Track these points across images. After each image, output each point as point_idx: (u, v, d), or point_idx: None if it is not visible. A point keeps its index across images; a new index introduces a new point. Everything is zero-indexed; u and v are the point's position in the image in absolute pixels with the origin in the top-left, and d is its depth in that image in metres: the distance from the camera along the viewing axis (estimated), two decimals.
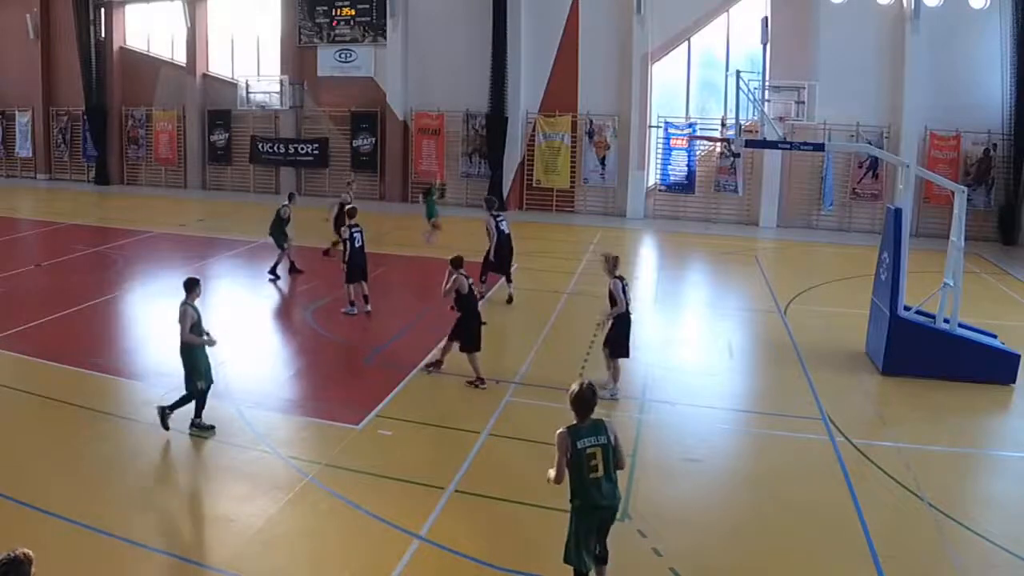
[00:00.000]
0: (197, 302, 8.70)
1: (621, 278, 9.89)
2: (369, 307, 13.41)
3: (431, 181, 22.78)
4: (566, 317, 13.28)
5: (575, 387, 5.50)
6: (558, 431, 5.49)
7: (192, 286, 8.68)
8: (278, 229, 15.83)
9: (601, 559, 5.74)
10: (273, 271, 15.84)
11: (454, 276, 10.15)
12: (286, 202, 16.12)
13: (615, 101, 24.64)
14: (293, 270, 16.19)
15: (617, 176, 24.89)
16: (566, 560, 5.54)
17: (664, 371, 11.07)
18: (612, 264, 9.90)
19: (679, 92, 24.77)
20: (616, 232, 22.52)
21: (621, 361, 9.96)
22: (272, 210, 16.21)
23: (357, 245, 13.25)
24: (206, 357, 8.71)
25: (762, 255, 19.70)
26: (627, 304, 9.77)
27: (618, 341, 9.84)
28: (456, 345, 10.27)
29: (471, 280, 10.45)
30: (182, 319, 8.54)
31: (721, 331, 13.28)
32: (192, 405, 8.65)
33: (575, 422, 5.47)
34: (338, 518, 7.06)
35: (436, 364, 10.60)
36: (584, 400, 5.43)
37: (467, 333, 10.17)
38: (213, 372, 8.84)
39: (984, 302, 14.44)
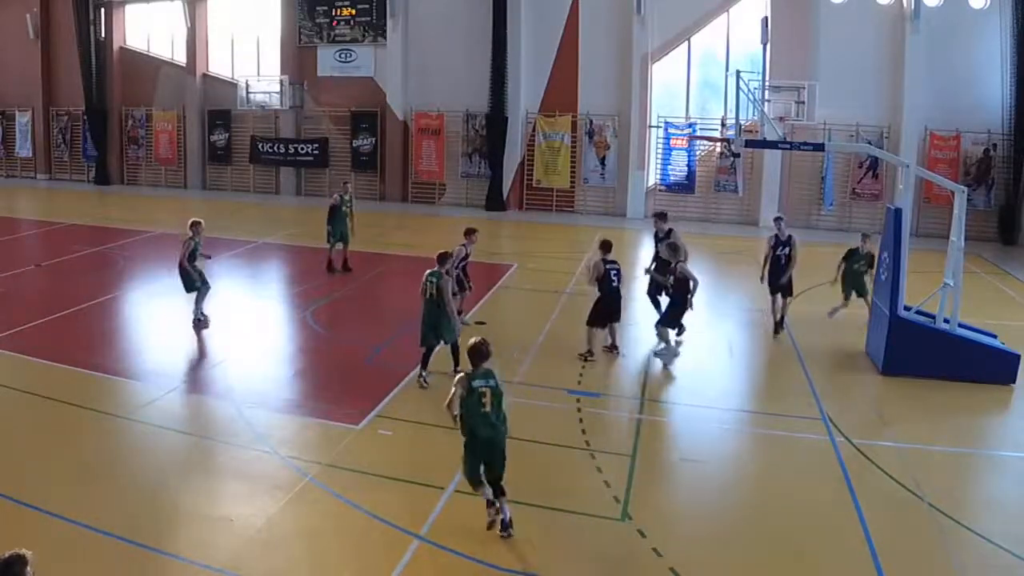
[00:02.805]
0: None
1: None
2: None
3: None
4: (566, 317, 13.26)
5: (472, 341, 6.83)
6: (459, 375, 6.73)
7: (445, 259, 10.26)
8: (335, 219, 15.93)
9: (499, 492, 6.77)
10: (333, 266, 16.05)
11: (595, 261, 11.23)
12: (343, 193, 16.34)
13: (615, 101, 24.64)
14: (331, 268, 16.10)
15: (617, 176, 24.90)
16: (465, 474, 6.79)
17: (664, 371, 11.06)
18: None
19: (679, 92, 24.77)
20: (616, 232, 22.43)
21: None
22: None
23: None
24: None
25: (762, 255, 19.62)
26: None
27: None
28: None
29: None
30: (447, 286, 10.02)
31: (721, 331, 13.28)
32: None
33: (472, 370, 6.71)
34: (338, 518, 7.05)
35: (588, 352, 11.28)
36: (479, 352, 6.75)
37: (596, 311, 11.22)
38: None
39: (984, 302, 14.43)
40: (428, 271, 10.08)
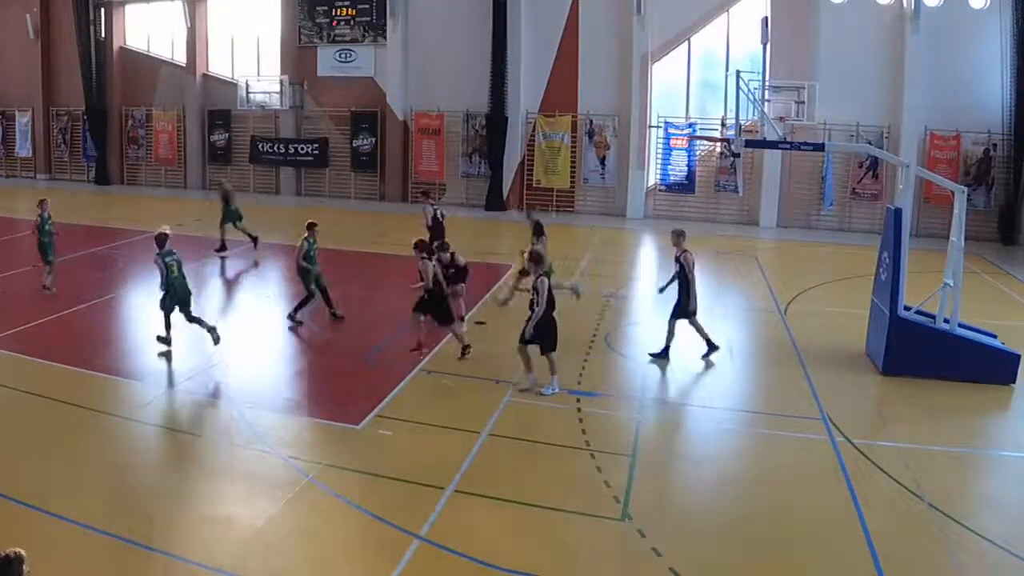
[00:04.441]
0: None
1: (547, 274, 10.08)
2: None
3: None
4: (565, 317, 13.26)
5: (156, 232, 10.89)
6: (155, 257, 10.77)
7: (313, 227, 12.77)
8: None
9: (192, 319, 11.13)
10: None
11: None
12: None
13: (615, 101, 24.63)
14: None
15: (617, 176, 24.89)
16: (165, 312, 10.99)
17: (664, 371, 11.07)
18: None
19: (679, 92, 24.76)
20: (616, 232, 22.52)
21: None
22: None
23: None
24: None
25: (762, 255, 19.68)
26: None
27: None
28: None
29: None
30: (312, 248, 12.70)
31: (721, 331, 13.26)
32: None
33: (159, 251, 10.77)
34: (338, 518, 7.06)
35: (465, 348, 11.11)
36: (158, 240, 10.80)
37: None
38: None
39: (984, 302, 14.42)
40: (303, 237, 12.61)
